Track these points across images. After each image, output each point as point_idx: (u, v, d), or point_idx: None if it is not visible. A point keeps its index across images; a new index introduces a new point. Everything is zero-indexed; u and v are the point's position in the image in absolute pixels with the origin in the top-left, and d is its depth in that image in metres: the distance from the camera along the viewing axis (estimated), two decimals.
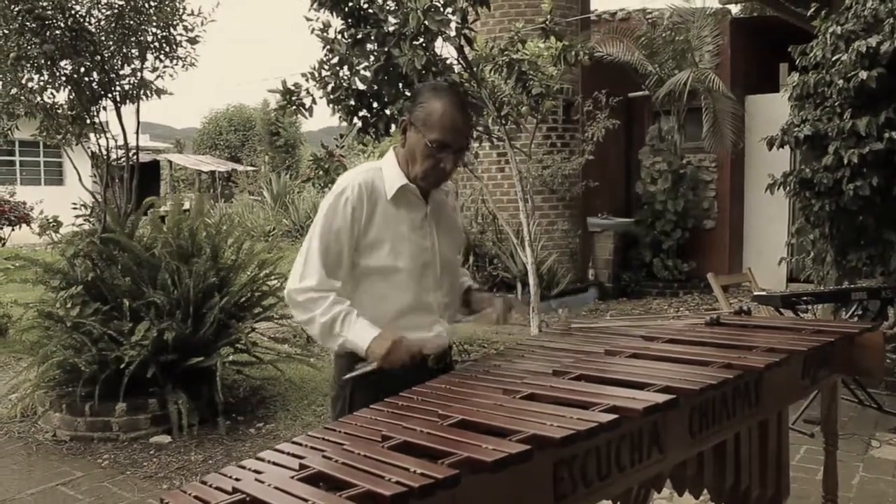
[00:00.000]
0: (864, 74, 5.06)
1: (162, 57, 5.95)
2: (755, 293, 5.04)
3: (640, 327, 2.73)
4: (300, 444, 1.66)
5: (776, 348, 2.27)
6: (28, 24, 5.30)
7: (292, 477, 1.44)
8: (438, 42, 5.11)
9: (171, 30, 5.89)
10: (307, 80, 5.25)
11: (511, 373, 2.14)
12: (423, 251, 2.32)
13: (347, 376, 2.22)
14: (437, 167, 2.24)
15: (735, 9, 11.63)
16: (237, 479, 1.47)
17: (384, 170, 2.31)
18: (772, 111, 8.87)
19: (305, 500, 1.32)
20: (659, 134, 10.92)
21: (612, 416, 1.64)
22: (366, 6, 5.00)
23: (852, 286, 5.13)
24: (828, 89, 5.38)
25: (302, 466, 1.48)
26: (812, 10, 5.67)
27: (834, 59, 5.32)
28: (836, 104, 5.35)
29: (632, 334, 2.60)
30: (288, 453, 1.61)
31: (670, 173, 10.17)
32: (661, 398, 1.76)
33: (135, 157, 5.95)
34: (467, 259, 8.99)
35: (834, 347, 2.59)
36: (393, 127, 5.31)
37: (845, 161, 5.21)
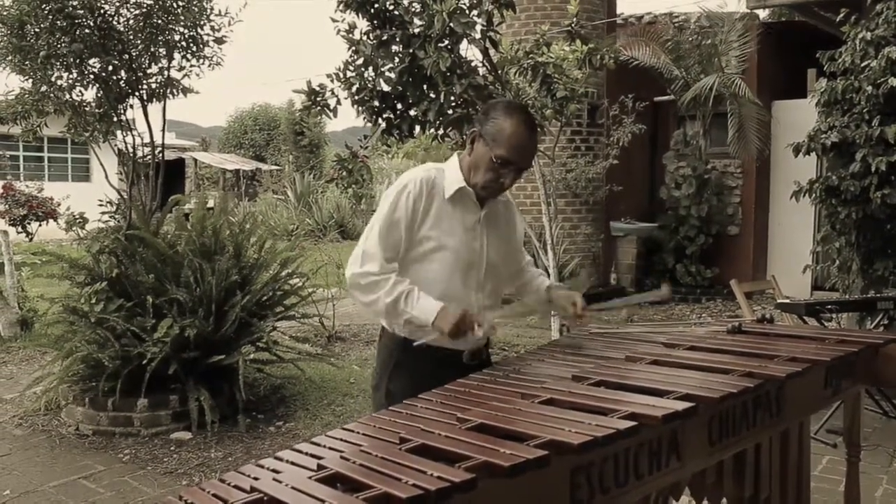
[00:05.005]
0: (893, 81, 4.99)
1: (189, 56, 6.00)
2: (779, 301, 4.99)
3: (662, 333, 2.71)
4: (318, 445, 1.67)
5: (798, 357, 2.25)
6: (58, 22, 5.36)
7: (310, 477, 1.45)
8: (463, 44, 5.10)
9: (199, 29, 5.93)
10: (332, 81, 5.26)
11: (530, 377, 2.14)
12: (471, 251, 2.44)
13: (415, 344, 2.33)
14: (497, 181, 2.38)
15: (763, 13, 11.52)
16: (255, 479, 1.48)
17: (446, 171, 2.46)
18: (799, 117, 8.77)
19: (322, 501, 1.33)
20: (684, 139, 10.84)
21: (630, 423, 1.63)
22: (391, 8, 5.00)
23: (878, 295, 5.06)
24: (856, 96, 5.32)
25: (320, 467, 1.49)
26: (841, 15, 5.61)
27: (863, 65, 5.26)
28: (865, 111, 5.28)
29: (653, 340, 2.59)
30: (306, 453, 1.62)
31: (695, 178, 10.10)
32: (681, 406, 1.75)
33: (160, 154, 6.01)
34: None
35: (858, 357, 2.55)
36: (417, 128, 5.32)
37: (873, 168, 5.14)
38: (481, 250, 2.46)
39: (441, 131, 5.28)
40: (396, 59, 5.08)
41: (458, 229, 2.42)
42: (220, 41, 6.04)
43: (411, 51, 4.93)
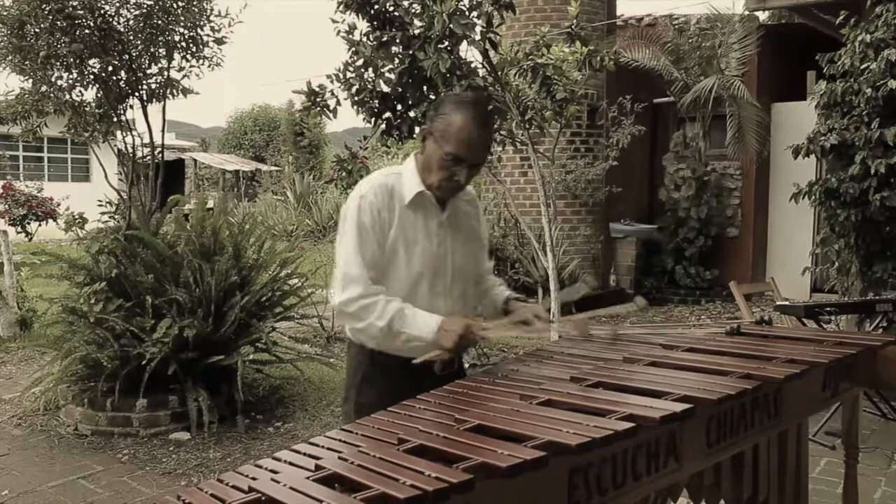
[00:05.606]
0: (893, 83, 5.00)
1: (189, 57, 6.01)
2: (778, 303, 5.00)
3: (660, 335, 2.71)
4: (316, 445, 1.67)
5: (797, 359, 2.25)
6: (58, 23, 5.37)
7: (308, 477, 1.44)
8: (463, 45, 5.11)
9: (199, 30, 5.94)
10: (332, 82, 5.27)
11: (529, 378, 2.14)
12: (436, 257, 2.35)
13: (416, 361, 2.22)
14: (452, 179, 2.28)
15: (763, 16, 11.52)
16: (253, 479, 1.48)
17: (403, 175, 2.35)
18: (798, 119, 8.78)
19: (320, 501, 1.32)
20: (683, 140, 10.85)
21: (628, 425, 1.63)
22: (391, 9, 5.01)
23: (877, 297, 5.07)
24: (855, 98, 5.32)
25: (318, 467, 1.49)
26: (841, 17, 5.61)
27: (862, 67, 5.26)
28: (864, 113, 5.29)
29: (651, 342, 2.59)
30: (304, 454, 1.61)
31: (694, 180, 10.10)
32: (679, 407, 1.75)
33: (160, 155, 6.01)
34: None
35: (856, 359, 2.55)
36: (416, 129, 5.32)
37: (872, 171, 5.15)
38: (446, 255, 2.37)
39: None
40: (396, 60, 5.09)
41: (421, 236, 2.32)
42: (219, 42, 6.05)
43: (411, 52, 4.94)
